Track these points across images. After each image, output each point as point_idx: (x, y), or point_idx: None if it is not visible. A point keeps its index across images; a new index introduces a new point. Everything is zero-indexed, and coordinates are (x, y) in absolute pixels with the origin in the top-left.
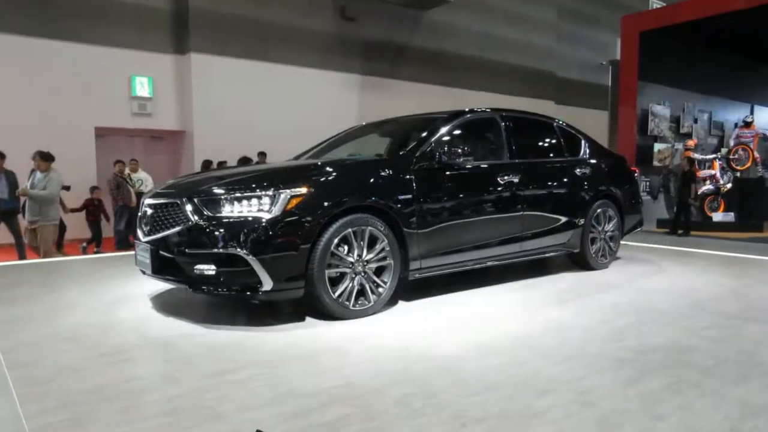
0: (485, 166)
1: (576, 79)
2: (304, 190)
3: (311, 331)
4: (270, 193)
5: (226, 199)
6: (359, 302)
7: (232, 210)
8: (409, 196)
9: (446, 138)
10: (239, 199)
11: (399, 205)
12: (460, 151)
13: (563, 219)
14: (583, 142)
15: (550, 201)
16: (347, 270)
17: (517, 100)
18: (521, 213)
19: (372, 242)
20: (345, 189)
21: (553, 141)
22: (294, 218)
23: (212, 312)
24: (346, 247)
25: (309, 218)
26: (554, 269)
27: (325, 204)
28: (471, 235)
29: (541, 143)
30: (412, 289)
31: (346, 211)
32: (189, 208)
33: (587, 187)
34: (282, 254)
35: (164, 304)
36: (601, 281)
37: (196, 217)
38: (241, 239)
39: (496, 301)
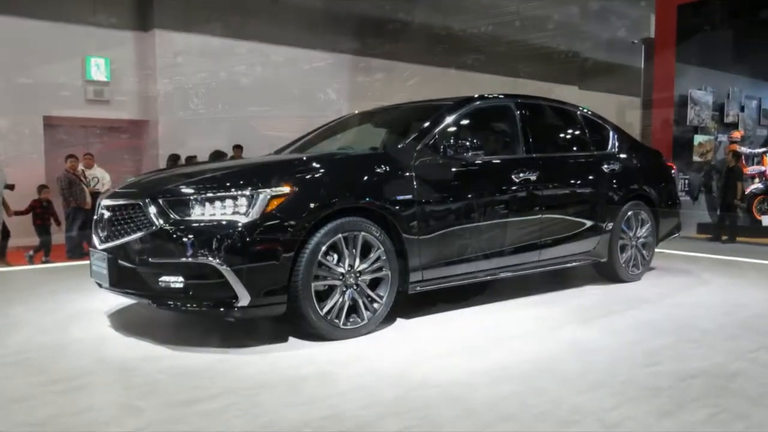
0: (497, 161)
1: (603, 61)
2: (286, 189)
3: (295, 354)
4: (247, 192)
5: (196, 199)
6: (351, 320)
7: (203, 212)
8: (409, 197)
9: (452, 129)
10: (211, 200)
11: (397, 207)
12: (468, 143)
13: (588, 223)
14: (611, 133)
15: (573, 202)
16: (337, 282)
17: (534, 85)
18: (539, 216)
19: (366, 250)
20: (334, 188)
21: (577, 132)
22: (275, 222)
23: (180, 331)
24: (335, 256)
25: (292, 222)
26: (578, 282)
27: (312, 206)
28: (481, 241)
29: (562, 135)
30: (412, 304)
31: (336, 213)
32: (153, 210)
33: (616, 186)
34: (261, 264)
35: (124, 322)
36: (633, 295)
37: (161, 221)
38: (214, 247)
39: (510, 319)
